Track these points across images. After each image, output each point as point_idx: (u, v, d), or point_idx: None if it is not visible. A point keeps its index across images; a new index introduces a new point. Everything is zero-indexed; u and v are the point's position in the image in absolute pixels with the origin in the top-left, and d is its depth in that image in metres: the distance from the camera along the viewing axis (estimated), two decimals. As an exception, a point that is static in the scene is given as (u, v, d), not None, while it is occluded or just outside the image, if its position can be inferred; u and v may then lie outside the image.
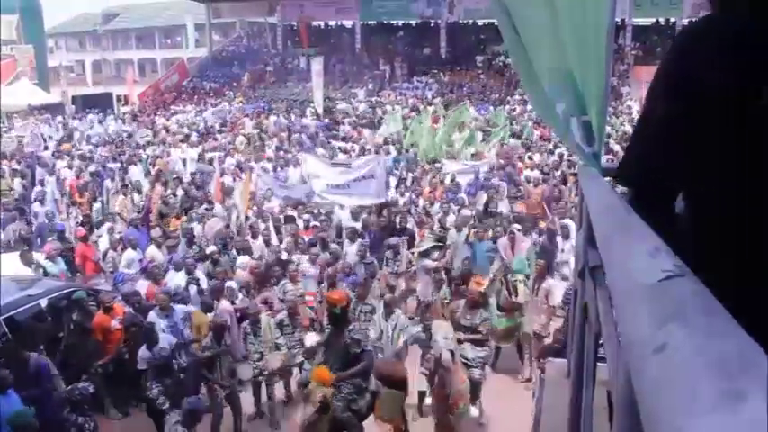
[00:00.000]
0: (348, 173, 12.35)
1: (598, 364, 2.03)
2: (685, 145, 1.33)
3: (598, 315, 1.58)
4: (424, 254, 10.04)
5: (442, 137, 18.49)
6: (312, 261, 9.96)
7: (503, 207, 12.47)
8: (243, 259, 10.23)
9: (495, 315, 8.49)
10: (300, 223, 12.14)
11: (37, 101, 32.28)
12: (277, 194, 13.61)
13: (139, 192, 14.76)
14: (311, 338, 8.09)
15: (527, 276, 9.07)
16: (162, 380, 6.97)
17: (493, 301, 8.64)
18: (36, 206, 13.67)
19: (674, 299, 0.67)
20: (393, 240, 10.53)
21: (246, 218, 12.49)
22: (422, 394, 7.75)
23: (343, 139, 21.77)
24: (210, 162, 17.33)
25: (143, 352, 7.42)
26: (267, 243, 10.87)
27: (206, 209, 12.80)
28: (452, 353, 6.76)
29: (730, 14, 1.34)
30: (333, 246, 10.57)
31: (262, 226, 11.68)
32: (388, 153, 17.69)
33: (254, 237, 11.19)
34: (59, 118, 29.71)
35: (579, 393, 2.22)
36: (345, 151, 18.72)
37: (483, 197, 12.92)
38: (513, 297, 8.51)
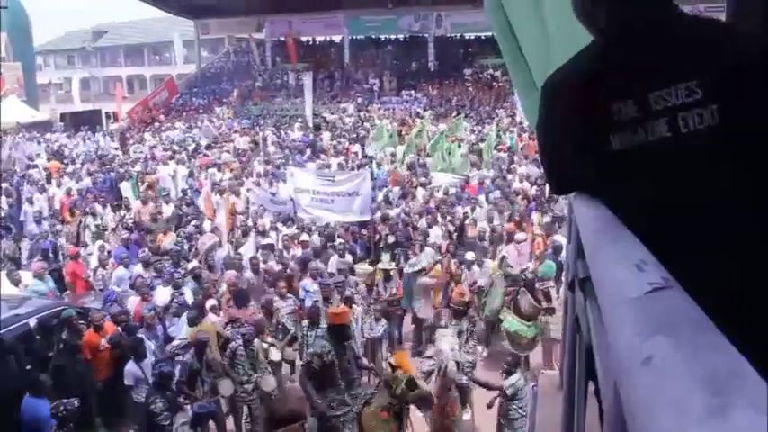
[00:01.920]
0: (332, 185, 12.36)
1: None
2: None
3: (589, 327, 1.58)
4: (419, 272, 10.01)
5: (433, 148, 18.50)
6: (313, 277, 9.92)
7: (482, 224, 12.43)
8: (230, 274, 10.17)
9: (516, 324, 8.56)
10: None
11: (26, 119, 32.16)
12: (269, 210, 13.62)
13: (128, 209, 14.72)
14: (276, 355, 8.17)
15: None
16: (164, 393, 6.96)
17: (507, 314, 8.74)
18: (32, 227, 13.62)
19: (660, 311, 0.67)
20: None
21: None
22: None
23: (335, 154, 21.80)
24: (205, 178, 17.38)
25: (131, 366, 7.36)
26: (256, 270, 10.49)
27: (195, 225, 12.75)
28: (458, 363, 7.03)
29: (581, 63, 1.54)
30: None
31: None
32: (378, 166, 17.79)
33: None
34: (48, 135, 29.60)
35: (572, 406, 2.21)
36: (331, 166, 18.72)
37: (459, 214, 12.87)
38: (544, 303, 8.66)
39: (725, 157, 1.31)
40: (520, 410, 7.00)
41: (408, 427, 6.62)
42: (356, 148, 22.57)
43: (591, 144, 1.42)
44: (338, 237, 11.93)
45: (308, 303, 9.17)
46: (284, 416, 6.76)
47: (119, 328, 8.21)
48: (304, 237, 11.93)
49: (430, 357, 7.55)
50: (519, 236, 10.87)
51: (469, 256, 10.41)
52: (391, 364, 6.86)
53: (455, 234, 11.95)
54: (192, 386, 7.37)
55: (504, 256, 10.22)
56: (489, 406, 7.23)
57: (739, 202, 1.30)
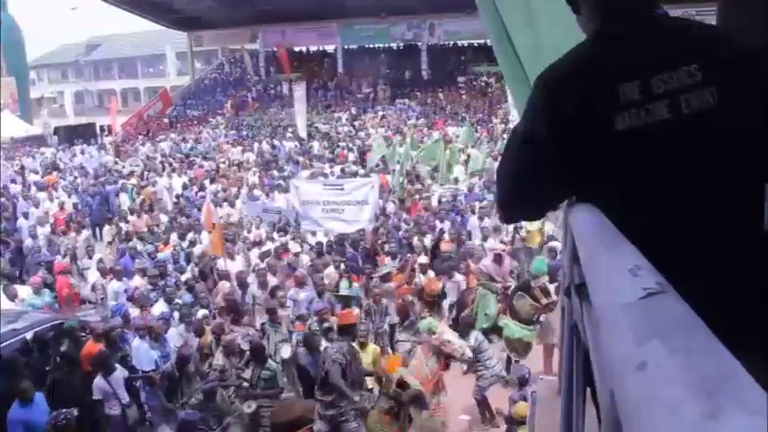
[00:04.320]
0: (341, 194, 12.34)
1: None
2: (572, 176, 1.54)
3: (585, 333, 1.58)
4: (384, 278, 10.01)
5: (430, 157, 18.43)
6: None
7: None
8: (224, 285, 10.16)
9: (519, 330, 8.60)
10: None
11: (19, 133, 32.09)
12: (264, 221, 13.60)
13: (126, 221, 14.71)
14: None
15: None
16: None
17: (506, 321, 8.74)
18: (29, 241, 13.59)
19: (654, 316, 0.67)
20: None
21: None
22: None
23: (331, 161, 21.85)
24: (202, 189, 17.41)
25: (98, 381, 7.26)
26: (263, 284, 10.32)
27: (190, 240, 12.72)
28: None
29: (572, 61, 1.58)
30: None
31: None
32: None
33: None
34: (43, 149, 29.54)
35: (570, 412, 2.21)
36: (330, 175, 18.70)
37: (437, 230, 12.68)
38: (543, 300, 8.65)
39: (724, 135, 1.38)
40: (487, 369, 7.82)
41: (409, 426, 6.95)
42: (352, 156, 22.58)
43: (595, 126, 1.43)
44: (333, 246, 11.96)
45: (302, 311, 9.17)
46: (290, 422, 6.75)
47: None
48: (295, 247, 11.92)
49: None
50: (494, 244, 10.82)
51: (422, 260, 10.55)
52: (384, 368, 7.16)
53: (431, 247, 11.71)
54: (170, 397, 7.30)
55: (480, 270, 10.19)
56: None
57: (736, 180, 1.37)
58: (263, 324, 8.69)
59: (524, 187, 1.66)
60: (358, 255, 11.64)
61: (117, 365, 7.54)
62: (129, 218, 14.82)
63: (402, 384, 6.64)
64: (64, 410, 6.36)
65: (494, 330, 9.00)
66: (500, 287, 9.48)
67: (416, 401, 6.75)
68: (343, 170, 18.58)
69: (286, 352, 8.19)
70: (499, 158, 1.88)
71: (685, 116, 1.38)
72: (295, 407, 7.17)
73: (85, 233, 14.06)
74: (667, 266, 1.04)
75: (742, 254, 1.37)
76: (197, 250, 11.87)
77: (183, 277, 10.49)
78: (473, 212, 13.56)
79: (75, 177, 21.36)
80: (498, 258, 10.38)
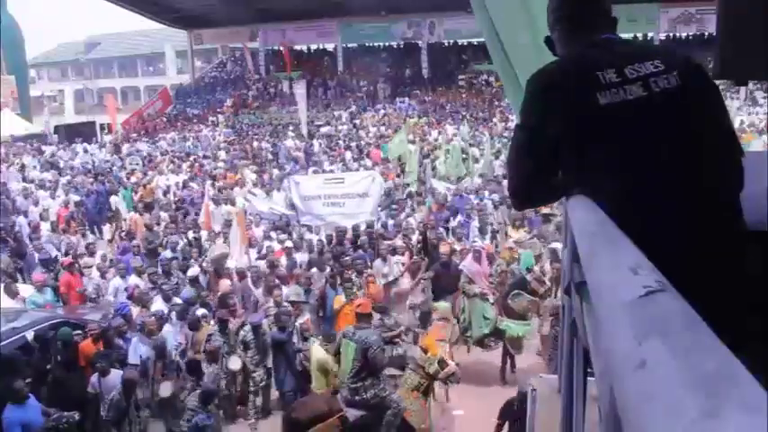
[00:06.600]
0: (342, 187, 12.34)
1: (589, 378, 2.03)
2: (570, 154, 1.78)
3: (586, 331, 1.59)
4: (392, 283, 9.99)
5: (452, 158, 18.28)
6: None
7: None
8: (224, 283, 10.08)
9: (520, 327, 8.70)
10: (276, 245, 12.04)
11: (19, 131, 32.09)
12: (266, 219, 13.58)
13: (122, 220, 14.72)
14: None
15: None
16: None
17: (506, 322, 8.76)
18: (27, 239, 13.59)
19: (654, 315, 0.67)
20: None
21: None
22: None
23: (331, 158, 21.85)
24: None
25: (93, 379, 7.27)
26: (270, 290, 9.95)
27: (195, 237, 12.70)
28: None
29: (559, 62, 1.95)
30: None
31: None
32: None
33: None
34: (43, 148, 29.53)
35: (570, 410, 2.21)
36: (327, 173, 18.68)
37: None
38: (541, 288, 8.75)
39: (687, 107, 1.69)
40: None
41: (434, 401, 7.57)
42: (348, 154, 22.57)
43: (581, 102, 1.70)
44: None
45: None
46: (314, 416, 6.71)
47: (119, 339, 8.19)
48: (288, 243, 11.87)
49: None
50: (476, 244, 10.73)
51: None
52: (422, 348, 7.42)
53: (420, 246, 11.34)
54: (119, 426, 6.92)
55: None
56: None
57: (698, 142, 1.65)
58: (209, 335, 8.35)
59: (530, 172, 1.92)
60: (366, 254, 11.56)
61: (116, 369, 7.45)
62: (132, 215, 14.83)
63: (441, 362, 7.08)
64: (65, 414, 6.35)
65: (493, 333, 8.95)
66: (478, 290, 9.33)
67: (452, 378, 7.24)
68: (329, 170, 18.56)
69: (235, 364, 8.16)
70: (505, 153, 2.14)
71: (656, 93, 1.66)
72: (317, 401, 7.15)
73: (107, 225, 14.05)
74: (655, 234, 1.24)
75: (719, 239, 1.59)
76: (213, 247, 11.84)
77: (189, 274, 10.43)
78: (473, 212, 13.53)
79: (74, 176, 21.30)
80: (477, 256, 9.86)
